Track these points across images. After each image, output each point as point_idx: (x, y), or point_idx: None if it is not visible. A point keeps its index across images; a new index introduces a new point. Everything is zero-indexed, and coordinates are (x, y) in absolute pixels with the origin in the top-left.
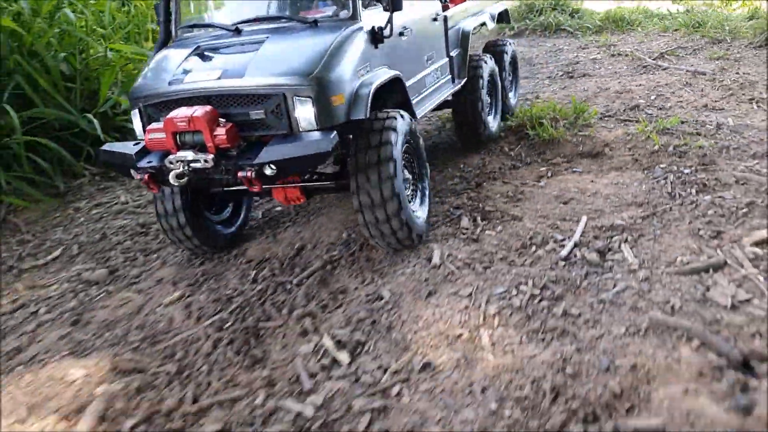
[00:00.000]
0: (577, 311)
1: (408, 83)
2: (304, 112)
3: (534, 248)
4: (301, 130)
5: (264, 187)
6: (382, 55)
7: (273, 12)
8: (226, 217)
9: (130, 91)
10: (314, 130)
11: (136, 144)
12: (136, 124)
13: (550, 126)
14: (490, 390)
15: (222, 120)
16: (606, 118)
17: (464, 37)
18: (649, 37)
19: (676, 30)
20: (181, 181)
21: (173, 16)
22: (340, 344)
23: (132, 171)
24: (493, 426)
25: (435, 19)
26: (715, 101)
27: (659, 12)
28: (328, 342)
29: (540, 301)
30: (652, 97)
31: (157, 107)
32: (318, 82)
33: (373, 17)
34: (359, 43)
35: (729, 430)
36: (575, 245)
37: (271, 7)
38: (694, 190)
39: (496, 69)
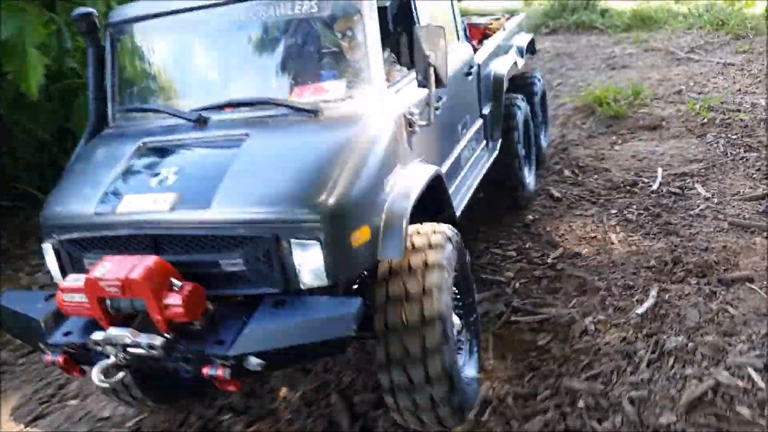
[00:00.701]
0: (675, 221)
1: (444, 170)
2: (308, 261)
3: (628, 187)
4: (302, 286)
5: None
6: (413, 145)
7: (255, 93)
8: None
9: (41, 216)
10: (323, 287)
11: (47, 299)
12: (51, 264)
13: (614, 104)
14: (627, 263)
15: (175, 281)
16: (655, 100)
17: (497, 85)
18: (675, 33)
19: (700, 27)
20: (108, 379)
21: (109, 89)
22: (501, 246)
23: (40, 345)
24: (635, 279)
25: (468, 74)
26: (747, 87)
27: (682, 11)
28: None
29: (646, 216)
30: (691, 84)
31: (80, 244)
32: (330, 213)
33: (405, 92)
34: (384, 140)
35: None
36: (660, 184)
37: (251, 85)
38: (742, 150)
39: (529, 112)
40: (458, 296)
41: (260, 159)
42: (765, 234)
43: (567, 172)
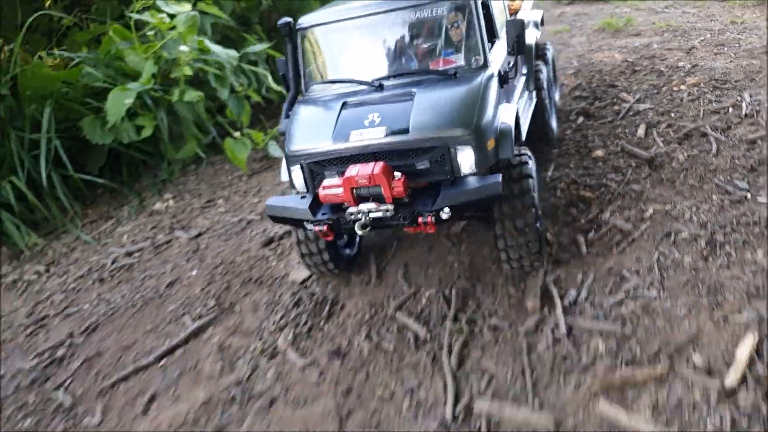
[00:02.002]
0: (645, 62)
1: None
2: (466, 159)
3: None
4: (461, 174)
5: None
6: (504, 92)
7: (403, 66)
8: (347, 241)
9: (288, 149)
10: (473, 174)
11: (302, 197)
12: (297, 179)
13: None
14: (629, 83)
15: (395, 173)
16: (639, 26)
17: (528, 53)
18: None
19: None
20: (364, 230)
21: (301, 70)
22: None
23: (305, 223)
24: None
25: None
26: (691, 20)
27: None
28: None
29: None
30: (660, 20)
31: (322, 164)
32: (476, 131)
33: (496, 58)
34: (494, 88)
35: None
36: (639, 55)
37: (400, 61)
38: (679, 35)
39: (549, 74)
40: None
41: (428, 103)
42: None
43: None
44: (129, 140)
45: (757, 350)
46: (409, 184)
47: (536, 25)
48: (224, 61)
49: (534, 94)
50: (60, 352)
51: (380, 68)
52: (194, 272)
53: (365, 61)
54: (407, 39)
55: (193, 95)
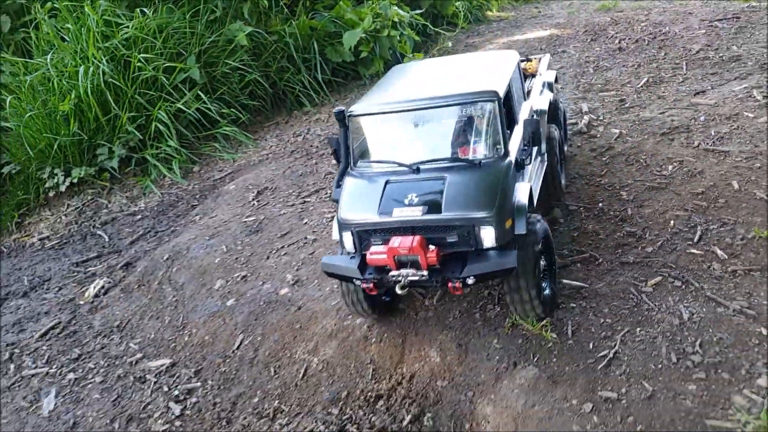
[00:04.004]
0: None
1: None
2: (488, 235)
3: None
4: (484, 247)
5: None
6: (522, 172)
7: (437, 153)
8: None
9: (342, 218)
10: (494, 248)
11: (352, 258)
12: (347, 242)
13: None
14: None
15: (430, 246)
16: None
17: (542, 118)
18: None
19: None
20: (403, 290)
21: (351, 149)
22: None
23: (355, 280)
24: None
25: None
26: None
27: None
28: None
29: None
30: None
31: (369, 232)
32: (497, 213)
33: (515, 144)
34: (512, 174)
35: None
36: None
37: (435, 148)
38: None
39: (561, 135)
40: (545, 251)
41: (457, 188)
42: None
43: None
44: (349, 59)
45: None
46: (441, 253)
47: (550, 86)
48: (406, 16)
49: (546, 156)
50: None
51: (418, 153)
52: None
53: (405, 146)
54: (442, 129)
55: (394, 33)
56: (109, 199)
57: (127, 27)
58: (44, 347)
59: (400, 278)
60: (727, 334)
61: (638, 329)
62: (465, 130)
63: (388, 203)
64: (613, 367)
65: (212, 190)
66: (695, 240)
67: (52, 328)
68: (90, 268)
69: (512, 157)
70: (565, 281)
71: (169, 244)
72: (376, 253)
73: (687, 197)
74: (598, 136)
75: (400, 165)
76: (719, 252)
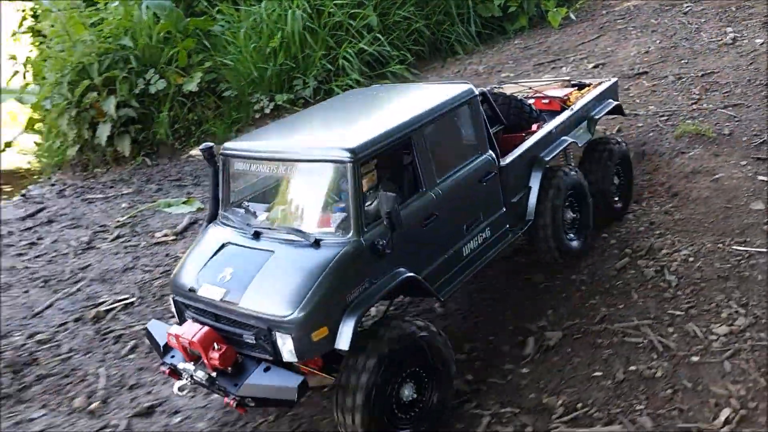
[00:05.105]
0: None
1: (434, 266)
2: (286, 345)
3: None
4: (284, 359)
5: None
6: (392, 259)
7: (286, 218)
8: None
9: (172, 280)
10: (296, 362)
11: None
12: (174, 311)
13: None
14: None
15: (216, 345)
16: None
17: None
18: None
19: None
20: (181, 392)
21: (220, 192)
22: None
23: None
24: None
25: (483, 180)
26: None
27: None
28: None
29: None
30: None
31: (183, 304)
32: (297, 320)
33: (373, 229)
34: (356, 263)
35: None
36: None
37: (287, 212)
38: None
39: (580, 179)
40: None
41: (274, 271)
42: None
43: None
44: (498, 14)
45: None
46: (239, 354)
47: (591, 122)
48: None
49: (524, 225)
50: None
51: (272, 214)
52: None
53: (268, 201)
54: (300, 189)
55: None
56: None
57: None
58: None
59: (184, 373)
60: None
61: None
62: (326, 195)
63: (205, 274)
64: None
65: None
66: None
67: None
68: None
69: (368, 237)
70: None
71: None
72: (170, 335)
73: None
74: None
75: (246, 225)
76: None
